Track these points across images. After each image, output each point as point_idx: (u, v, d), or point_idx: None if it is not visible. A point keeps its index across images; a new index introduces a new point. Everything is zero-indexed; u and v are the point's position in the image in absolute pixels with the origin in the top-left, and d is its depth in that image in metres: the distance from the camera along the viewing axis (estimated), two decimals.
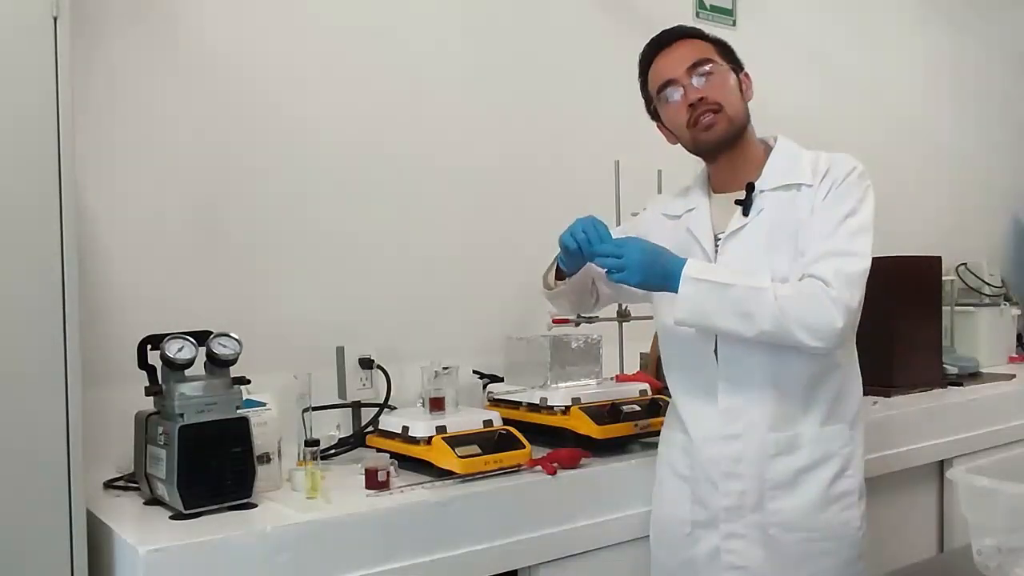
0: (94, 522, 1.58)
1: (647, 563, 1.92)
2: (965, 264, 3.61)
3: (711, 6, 3.09)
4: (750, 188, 1.77)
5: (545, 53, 2.67)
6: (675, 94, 1.77)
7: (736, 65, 1.81)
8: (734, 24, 3.13)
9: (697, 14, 3.05)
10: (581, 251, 1.72)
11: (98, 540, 1.56)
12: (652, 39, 1.83)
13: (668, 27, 1.84)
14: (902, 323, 2.75)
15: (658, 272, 1.68)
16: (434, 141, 2.44)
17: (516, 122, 2.59)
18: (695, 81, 1.75)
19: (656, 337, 2.40)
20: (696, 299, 1.66)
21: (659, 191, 2.44)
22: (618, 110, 2.63)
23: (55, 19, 1.46)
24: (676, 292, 1.67)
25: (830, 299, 1.62)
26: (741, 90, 1.79)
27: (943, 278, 3.12)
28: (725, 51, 1.81)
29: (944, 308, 3.13)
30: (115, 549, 1.53)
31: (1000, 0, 4.16)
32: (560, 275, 1.89)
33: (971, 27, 4.03)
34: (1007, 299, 3.60)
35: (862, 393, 1.85)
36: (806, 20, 3.37)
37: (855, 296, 1.64)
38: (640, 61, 1.85)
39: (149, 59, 2.04)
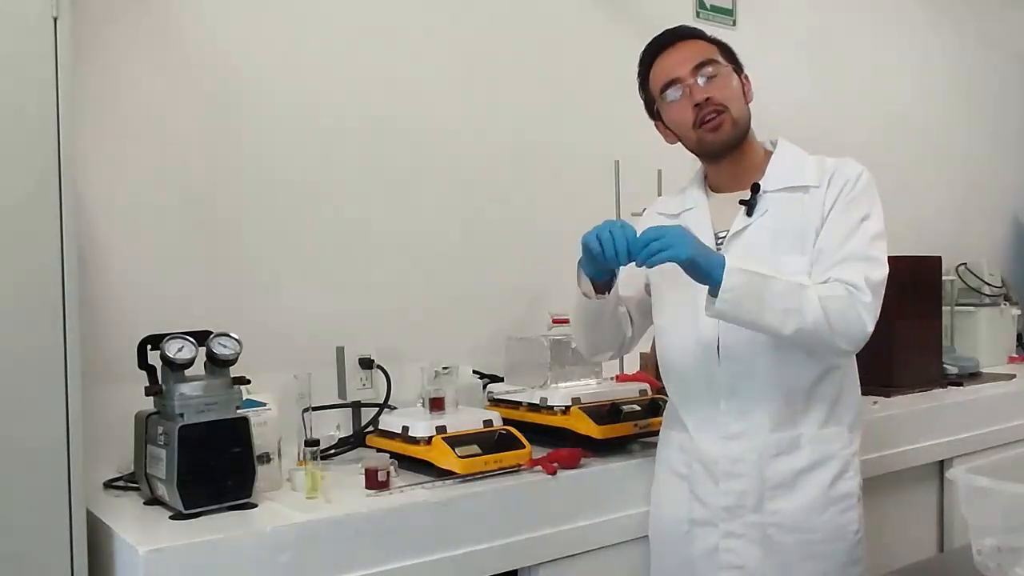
0: (94, 522, 1.57)
1: (647, 563, 1.92)
2: (965, 264, 3.60)
3: (711, 6, 3.09)
4: (755, 188, 1.77)
5: (545, 53, 2.66)
6: (679, 93, 1.76)
7: (737, 67, 1.81)
8: (734, 24, 3.13)
9: (697, 14, 3.04)
10: (604, 255, 1.60)
11: (98, 540, 1.56)
12: (654, 39, 1.83)
13: (669, 27, 1.84)
14: (902, 323, 2.74)
15: (703, 252, 1.61)
16: (433, 142, 2.43)
17: (516, 122, 2.59)
18: (700, 81, 1.74)
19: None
20: (739, 290, 1.59)
21: (659, 191, 2.45)
22: (618, 110, 2.63)
23: (55, 19, 1.46)
24: (716, 282, 1.59)
25: (862, 304, 1.64)
26: (744, 92, 1.80)
27: (943, 278, 3.12)
28: (726, 52, 1.81)
29: (944, 308, 3.13)
30: (115, 549, 1.53)
31: (1000, 0, 4.16)
32: (596, 288, 1.77)
33: (971, 27, 4.03)
34: (1007, 299, 3.60)
35: (860, 397, 1.85)
36: (806, 20, 3.37)
37: (879, 303, 1.67)
38: (641, 60, 1.85)
39: (149, 58, 2.04)
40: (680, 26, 1.84)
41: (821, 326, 1.62)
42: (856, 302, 1.64)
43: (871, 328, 1.66)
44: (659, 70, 1.80)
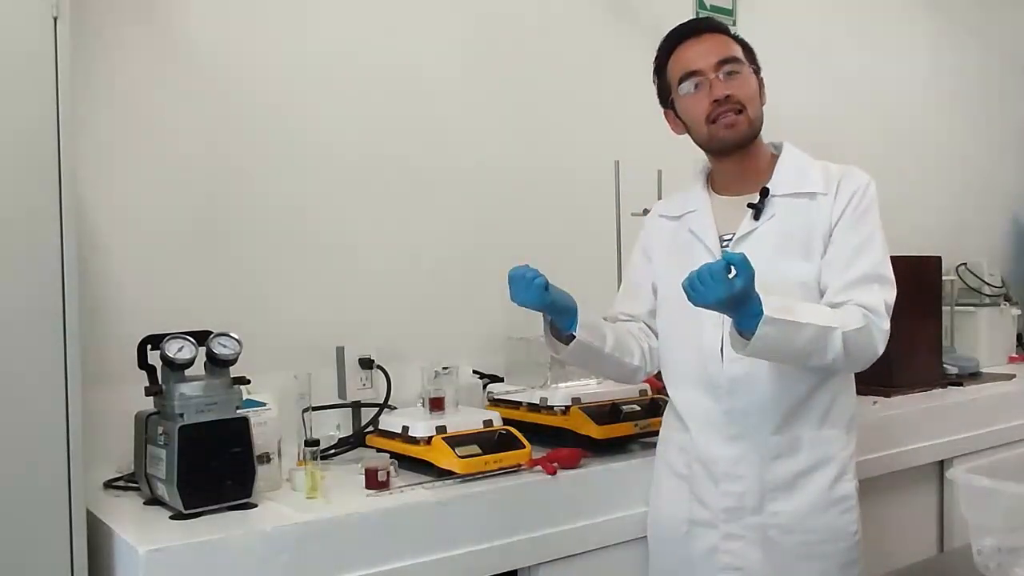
0: (94, 522, 1.58)
1: (647, 563, 1.92)
2: (965, 264, 3.60)
3: (711, 6, 3.09)
4: (764, 192, 1.76)
5: (545, 53, 2.66)
6: (699, 85, 1.75)
7: (756, 68, 1.80)
8: (734, 24, 3.12)
9: (697, 14, 3.04)
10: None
11: (98, 540, 1.56)
12: (678, 26, 1.82)
13: (687, 21, 1.82)
14: (902, 323, 2.73)
15: (735, 302, 1.53)
16: (433, 142, 2.44)
17: (515, 122, 2.59)
18: (722, 77, 1.73)
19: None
20: (769, 339, 1.55)
21: (659, 191, 2.45)
22: (618, 110, 2.64)
23: (55, 19, 1.46)
24: (748, 330, 1.56)
25: (879, 331, 1.67)
26: (760, 94, 1.79)
27: (943, 278, 3.12)
28: (748, 52, 1.81)
29: (944, 308, 3.13)
30: (115, 549, 1.53)
31: (1000, 1, 4.16)
32: (559, 334, 1.79)
33: (971, 27, 4.03)
34: (1007, 299, 3.60)
35: (855, 399, 1.86)
36: (806, 20, 3.37)
37: (889, 324, 1.70)
38: (661, 46, 1.83)
39: (150, 60, 2.04)
40: (706, 18, 1.84)
41: (839, 359, 1.64)
42: (874, 330, 1.66)
43: (882, 352, 1.69)
44: (680, 59, 1.78)
